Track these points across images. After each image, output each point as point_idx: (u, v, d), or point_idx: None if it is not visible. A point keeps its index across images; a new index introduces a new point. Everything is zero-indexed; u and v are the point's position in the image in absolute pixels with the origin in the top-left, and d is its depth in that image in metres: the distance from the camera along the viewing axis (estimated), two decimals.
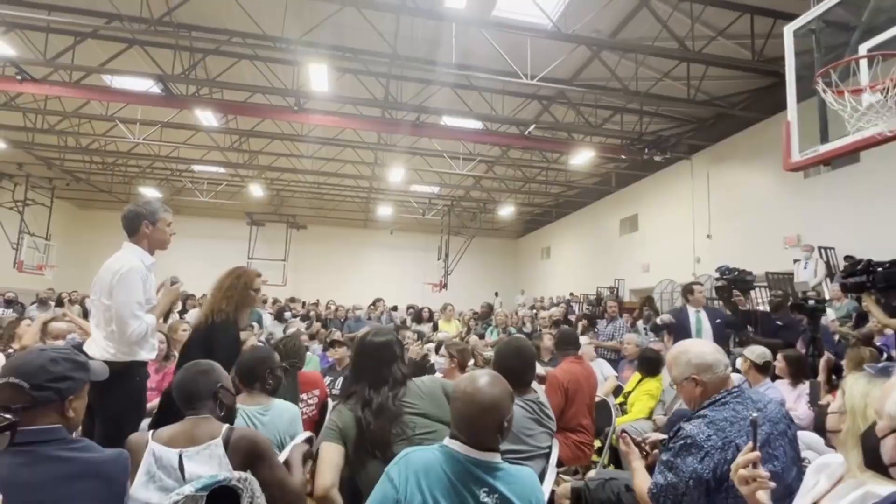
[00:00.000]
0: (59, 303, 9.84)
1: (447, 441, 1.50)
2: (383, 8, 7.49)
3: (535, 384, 2.64)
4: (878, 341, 5.37)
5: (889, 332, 5.03)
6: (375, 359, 2.10)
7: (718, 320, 5.13)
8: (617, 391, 5.05)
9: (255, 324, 7.18)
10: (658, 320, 5.59)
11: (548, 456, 2.32)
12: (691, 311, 5.13)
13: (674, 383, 1.96)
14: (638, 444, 2.02)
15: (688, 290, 5.31)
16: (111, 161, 15.82)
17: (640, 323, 6.74)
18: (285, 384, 2.85)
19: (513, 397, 1.58)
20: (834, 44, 3.89)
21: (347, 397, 2.10)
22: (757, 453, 1.31)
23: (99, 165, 16.12)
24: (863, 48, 3.39)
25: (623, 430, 2.10)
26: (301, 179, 17.10)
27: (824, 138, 3.72)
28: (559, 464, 2.67)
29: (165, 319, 4.47)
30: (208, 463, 1.67)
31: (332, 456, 1.91)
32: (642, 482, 1.86)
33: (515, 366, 2.48)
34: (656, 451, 2.00)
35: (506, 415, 1.50)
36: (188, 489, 1.45)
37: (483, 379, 1.53)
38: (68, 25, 8.42)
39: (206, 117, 10.94)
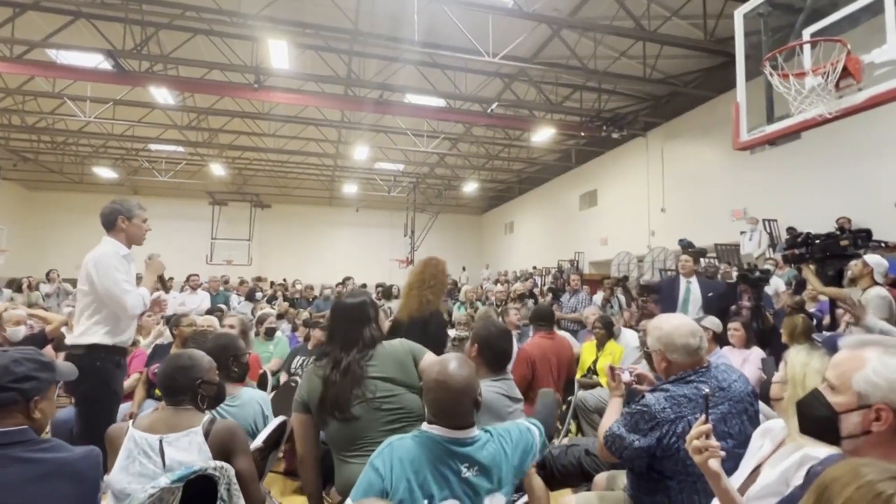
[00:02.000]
0: (19, 288, 9.34)
1: (426, 426, 1.52)
2: None
3: None
4: (813, 308, 5.71)
5: (823, 298, 5.34)
6: (347, 320, 2.10)
7: (711, 293, 5.03)
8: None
9: (223, 306, 7.02)
10: (642, 280, 5.62)
11: None
12: (682, 280, 5.09)
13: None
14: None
15: (676, 261, 5.29)
16: (61, 140, 14.90)
17: (612, 299, 6.87)
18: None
19: (476, 372, 1.62)
20: (781, 25, 4.00)
21: (320, 357, 2.12)
22: (708, 426, 1.39)
23: (48, 145, 15.17)
24: (806, 33, 3.50)
25: (610, 366, 2.15)
26: (264, 158, 16.59)
27: (770, 118, 3.85)
28: None
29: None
30: (188, 450, 1.66)
31: (300, 428, 2.05)
32: (610, 420, 1.96)
33: (504, 348, 2.49)
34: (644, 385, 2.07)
35: (477, 391, 1.55)
36: (164, 481, 1.43)
37: (451, 364, 1.54)
38: None
39: (162, 94, 10.40)
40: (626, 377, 2.08)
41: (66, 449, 1.34)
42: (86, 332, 2.55)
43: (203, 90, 10.48)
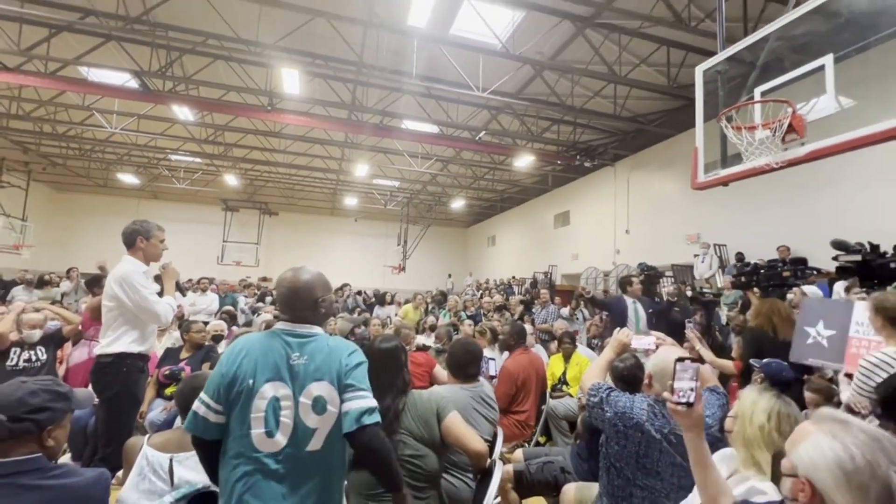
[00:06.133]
0: (40, 284, 9.00)
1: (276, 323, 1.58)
2: (352, 21, 7.20)
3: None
4: None
5: None
6: (382, 364, 1.95)
7: (650, 310, 4.90)
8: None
9: (230, 307, 6.88)
10: (586, 292, 5.27)
11: (491, 448, 2.31)
12: (629, 301, 4.88)
13: None
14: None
15: (626, 283, 5.00)
16: (88, 148, 14.58)
17: (577, 312, 6.85)
18: None
19: (329, 287, 1.65)
20: (735, 75, 4.04)
21: None
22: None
23: (76, 151, 14.82)
24: (757, 91, 3.55)
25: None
26: (273, 170, 16.42)
27: (724, 161, 3.90)
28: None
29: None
30: (197, 469, 1.59)
31: None
32: (598, 374, 2.03)
33: (462, 359, 2.55)
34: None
35: (319, 294, 1.57)
36: (167, 499, 1.37)
37: (301, 269, 1.60)
38: (42, 18, 7.61)
39: (183, 112, 10.26)
40: (644, 344, 2.10)
41: (77, 474, 1.27)
42: (113, 341, 2.56)
43: (220, 110, 10.33)
